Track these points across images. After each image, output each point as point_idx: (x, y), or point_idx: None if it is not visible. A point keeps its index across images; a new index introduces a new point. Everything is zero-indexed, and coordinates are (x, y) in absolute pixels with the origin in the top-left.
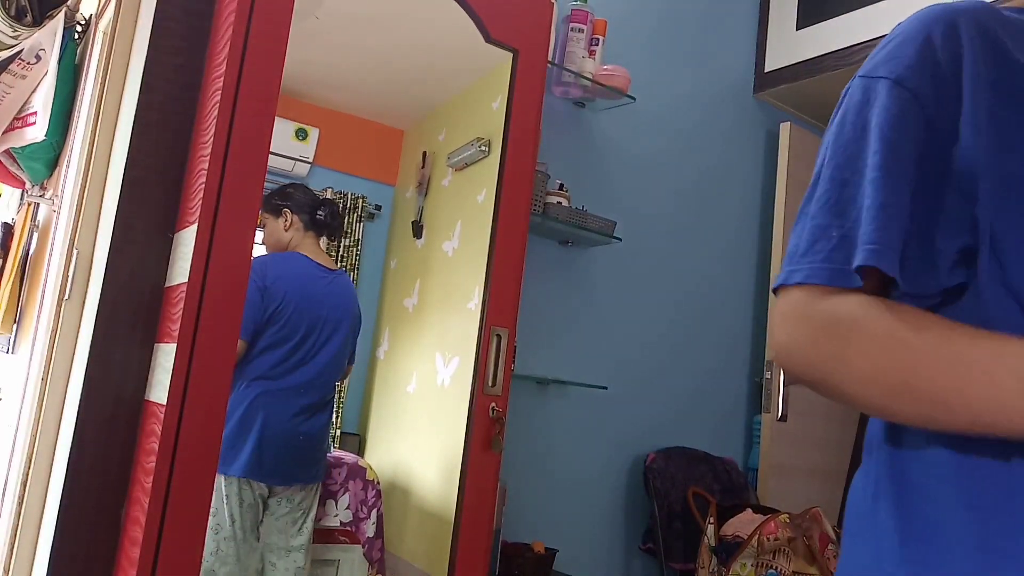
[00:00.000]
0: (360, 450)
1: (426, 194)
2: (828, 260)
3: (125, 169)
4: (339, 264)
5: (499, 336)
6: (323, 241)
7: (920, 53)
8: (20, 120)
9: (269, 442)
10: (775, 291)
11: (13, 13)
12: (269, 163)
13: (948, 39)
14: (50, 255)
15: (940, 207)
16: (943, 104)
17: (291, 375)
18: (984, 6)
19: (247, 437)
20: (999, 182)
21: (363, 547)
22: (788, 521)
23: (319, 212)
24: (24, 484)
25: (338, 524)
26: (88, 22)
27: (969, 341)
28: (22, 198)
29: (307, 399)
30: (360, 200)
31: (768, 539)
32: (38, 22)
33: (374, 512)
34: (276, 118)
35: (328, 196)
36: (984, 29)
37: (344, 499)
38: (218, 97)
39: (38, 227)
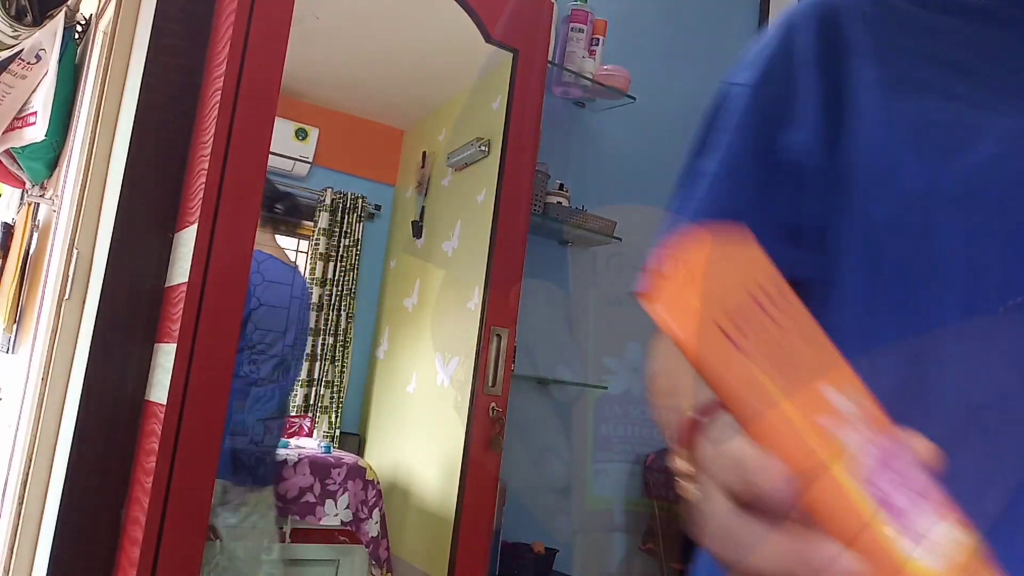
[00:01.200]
0: (360, 450)
1: (426, 194)
2: None
3: (125, 169)
4: (339, 264)
5: (499, 336)
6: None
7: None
8: (20, 120)
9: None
10: None
11: (13, 13)
12: (269, 163)
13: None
14: (50, 255)
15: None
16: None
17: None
18: None
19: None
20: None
21: (367, 547)
22: None
23: (276, 207)
24: (24, 484)
25: (338, 524)
26: (88, 22)
27: None
28: (22, 198)
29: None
30: (360, 200)
31: None
32: (38, 22)
33: (375, 512)
34: (276, 118)
35: (327, 195)
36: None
37: (344, 499)
38: (218, 97)
39: (38, 227)
